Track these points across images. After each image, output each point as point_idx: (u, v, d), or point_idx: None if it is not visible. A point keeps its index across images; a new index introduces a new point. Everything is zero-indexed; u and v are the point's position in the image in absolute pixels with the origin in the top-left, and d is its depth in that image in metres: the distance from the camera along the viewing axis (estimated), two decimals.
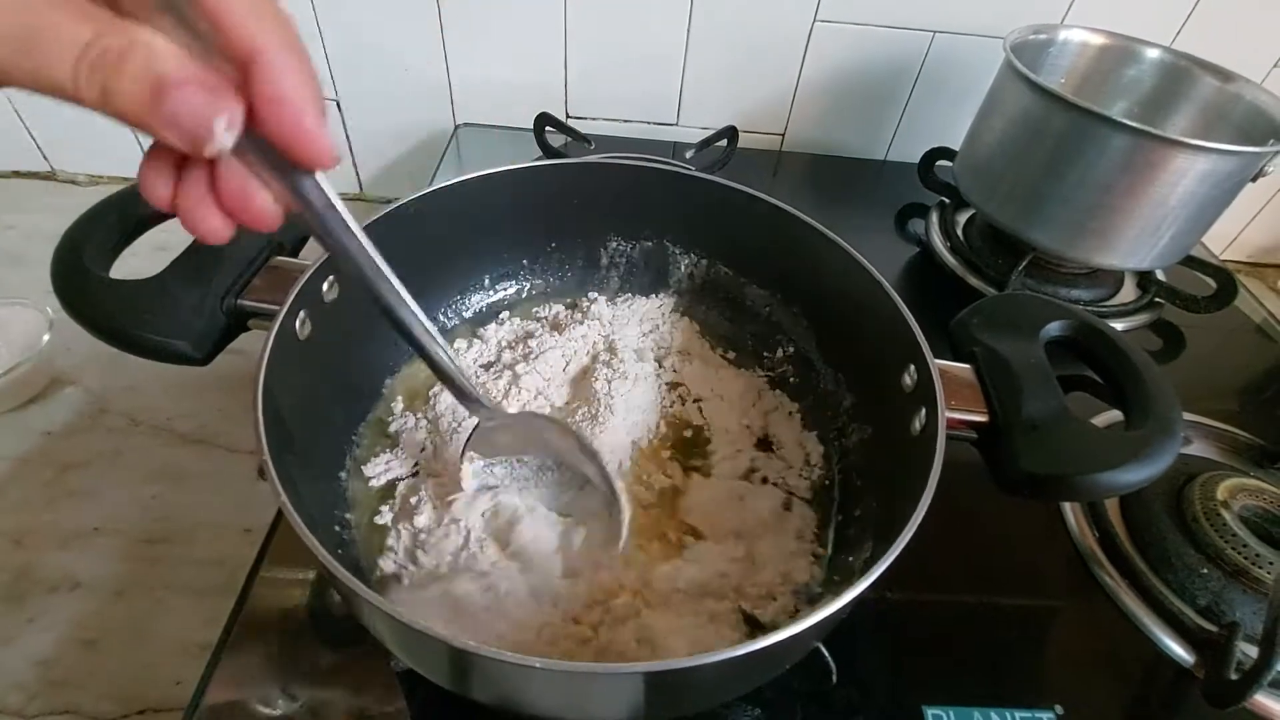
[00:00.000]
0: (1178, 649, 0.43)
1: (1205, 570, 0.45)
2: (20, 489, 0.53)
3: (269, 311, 0.35)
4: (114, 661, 0.45)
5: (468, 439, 0.39)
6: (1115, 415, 0.52)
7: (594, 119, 0.82)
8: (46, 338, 0.57)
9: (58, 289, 0.33)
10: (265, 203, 0.22)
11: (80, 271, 0.33)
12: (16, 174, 0.83)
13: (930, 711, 0.39)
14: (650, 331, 0.54)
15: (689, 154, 0.72)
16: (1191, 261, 0.68)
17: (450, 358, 0.33)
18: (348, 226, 0.26)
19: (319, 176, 0.23)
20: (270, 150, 0.21)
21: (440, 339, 0.32)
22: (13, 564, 0.49)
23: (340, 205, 0.25)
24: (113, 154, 0.81)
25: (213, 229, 0.22)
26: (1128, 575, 0.46)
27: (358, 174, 0.85)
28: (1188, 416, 0.55)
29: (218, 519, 0.52)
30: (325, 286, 0.38)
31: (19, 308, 0.60)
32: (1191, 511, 0.47)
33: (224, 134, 0.19)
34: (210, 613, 0.40)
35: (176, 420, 0.58)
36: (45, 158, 0.82)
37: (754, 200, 0.47)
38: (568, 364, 0.50)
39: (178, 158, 0.22)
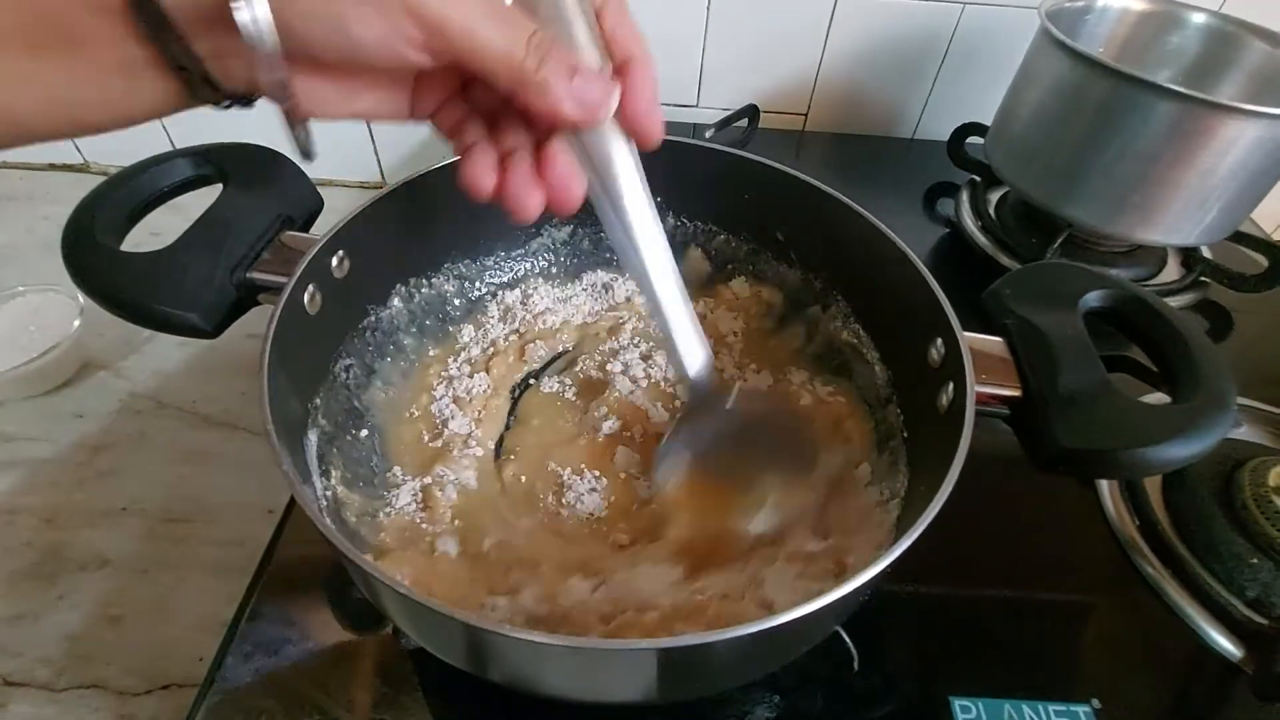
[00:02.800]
0: (1224, 642, 0.40)
1: (1255, 560, 0.42)
2: (52, 470, 0.54)
3: (277, 285, 0.34)
4: (139, 637, 0.45)
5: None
6: (1162, 399, 0.50)
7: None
8: (77, 323, 0.58)
9: (68, 261, 0.33)
10: (582, 184, 0.28)
11: (91, 244, 0.33)
12: (52, 166, 0.85)
13: (958, 702, 0.37)
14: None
15: (708, 133, 0.71)
16: (1240, 237, 0.64)
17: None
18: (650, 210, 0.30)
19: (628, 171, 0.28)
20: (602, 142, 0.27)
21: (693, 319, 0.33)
22: (44, 542, 0.50)
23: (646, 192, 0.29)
24: (143, 148, 0.82)
25: (533, 206, 0.27)
26: (1171, 565, 0.43)
27: (379, 163, 0.86)
28: (1240, 400, 0.52)
29: (240, 499, 0.53)
30: (335, 261, 0.38)
31: (52, 294, 0.62)
32: (1241, 498, 0.44)
33: (611, 109, 0.26)
34: (232, 591, 0.40)
35: (201, 403, 0.59)
36: (79, 151, 0.84)
37: (772, 170, 0.45)
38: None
39: (500, 156, 0.28)
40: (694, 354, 0.34)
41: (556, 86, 0.24)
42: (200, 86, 0.23)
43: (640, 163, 0.29)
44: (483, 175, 0.27)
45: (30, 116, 0.23)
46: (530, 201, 0.27)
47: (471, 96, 0.28)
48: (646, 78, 0.27)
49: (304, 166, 0.42)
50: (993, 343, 0.36)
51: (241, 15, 0.20)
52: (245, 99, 0.25)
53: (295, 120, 0.25)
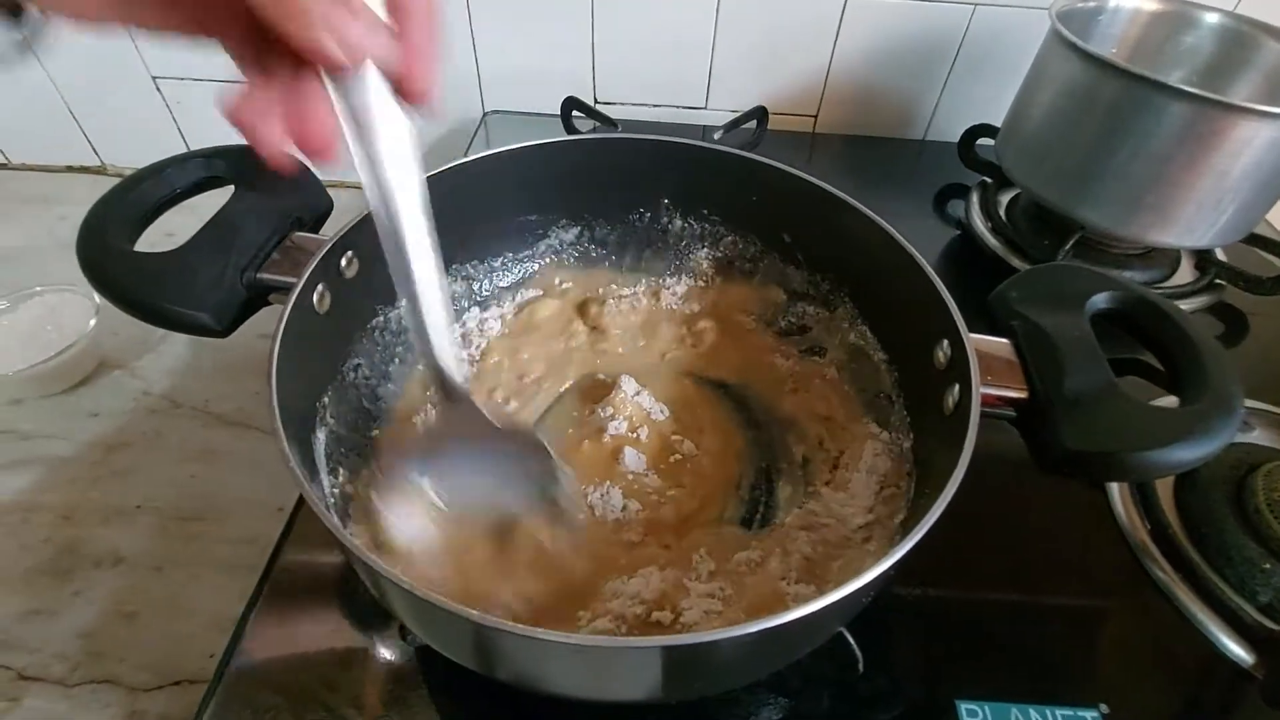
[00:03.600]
0: (1235, 648, 0.40)
1: (1268, 565, 0.41)
2: (69, 468, 0.55)
3: (287, 285, 0.35)
4: (152, 634, 0.46)
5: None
6: (1172, 402, 0.49)
7: (621, 104, 0.81)
8: (93, 323, 0.59)
9: (83, 261, 0.34)
10: (333, 132, 0.24)
11: (105, 245, 0.34)
12: (70, 168, 0.86)
13: (964, 706, 0.37)
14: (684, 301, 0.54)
15: (717, 135, 0.71)
16: (1255, 240, 0.63)
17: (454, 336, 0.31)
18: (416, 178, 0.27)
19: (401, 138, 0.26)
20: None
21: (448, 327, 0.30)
22: (61, 538, 0.50)
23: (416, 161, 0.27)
24: (158, 149, 0.83)
25: (271, 140, 0.24)
26: (1182, 569, 0.43)
27: None
28: (1253, 403, 0.52)
29: (251, 498, 0.53)
30: (344, 261, 0.38)
31: (69, 294, 0.63)
32: (1254, 503, 0.44)
33: (376, 54, 0.23)
34: (243, 588, 0.41)
35: (214, 403, 0.60)
36: (96, 152, 0.85)
37: (778, 172, 0.45)
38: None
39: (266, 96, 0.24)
40: (447, 356, 0.31)
41: (305, 17, 0.21)
42: None
43: (415, 135, 0.26)
44: (246, 105, 0.24)
45: None
46: (270, 135, 0.24)
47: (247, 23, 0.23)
48: (424, 30, 0.24)
49: (312, 167, 0.42)
50: (999, 344, 0.36)
51: None
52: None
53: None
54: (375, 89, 0.24)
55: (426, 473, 0.35)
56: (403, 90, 0.25)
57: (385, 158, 0.26)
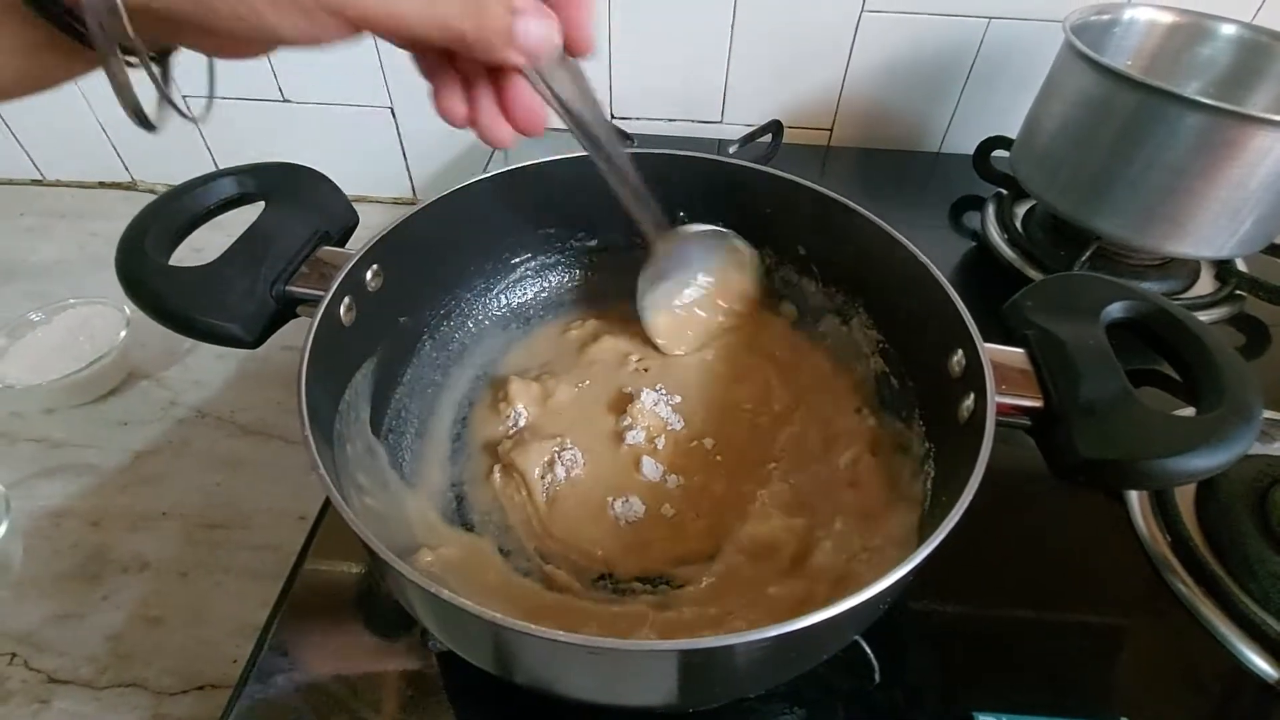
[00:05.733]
0: (1260, 661, 0.39)
1: None
2: (99, 475, 0.56)
3: (315, 298, 0.36)
4: (177, 639, 0.47)
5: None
6: (1191, 413, 0.49)
7: (638, 118, 0.82)
8: (124, 334, 0.61)
9: (121, 275, 0.35)
10: (544, 113, 0.30)
11: (142, 259, 0.35)
12: (102, 184, 0.89)
13: (981, 718, 0.37)
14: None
15: (732, 149, 0.72)
16: (1276, 250, 0.63)
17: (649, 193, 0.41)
18: (596, 105, 0.34)
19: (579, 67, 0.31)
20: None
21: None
22: (90, 544, 0.52)
23: (591, 89, 0.33)
24: (188, 166, 0.85)
25: (506, 137, 0.30)
26: (1204, 582, 0.42)
27: (411, 179, 0.88)
28: (1275, 415, 0.51)
29: (274, 506, 0.54)
30: (369, 275, 0.39)
31: (100, 306, 0.64)
32: (1277, 515, 0.43)
33: (556, 43, 0.27)
34: (266, 595, 0.42)
35: (239, 413, 0.61)
36: (127, 169, 0.88)
37: (792, 185, 0.46)
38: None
39: (466, 88, 0.29)
40: (652, 214, 0.42)
41: (497, 41, 0.25)
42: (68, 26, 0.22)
43: (585, 73, 0.32)
44: (454, 106, 0.29)
45: None
46: (502, 133, 0.29)
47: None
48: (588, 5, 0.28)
49: (338, 182, 0.44)
50: (1014, 354, 0.36)
51: None
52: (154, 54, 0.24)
53: (116, 70, 0.23)
54: (559, 65, 0.30)
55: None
56: (570, 50, 0.29)
57: (579, 104, 0.32)
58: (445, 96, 0.29)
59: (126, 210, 0.38)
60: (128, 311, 0.63)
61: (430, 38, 0.24)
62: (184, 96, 0.26)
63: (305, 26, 0.22)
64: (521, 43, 0.25)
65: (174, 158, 0.86)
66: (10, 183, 0.89)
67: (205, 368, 0.65)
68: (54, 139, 0.85)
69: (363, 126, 0.81)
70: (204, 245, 0.41)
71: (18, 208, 0.84)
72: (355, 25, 0.23)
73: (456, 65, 0.28)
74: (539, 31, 0.26)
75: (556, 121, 0.32)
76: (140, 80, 0.24)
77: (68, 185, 0.89)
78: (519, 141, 0.30)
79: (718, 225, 0.49)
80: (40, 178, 0.89)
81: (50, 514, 0.53)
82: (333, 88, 0.79)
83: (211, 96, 0.28)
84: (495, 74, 0.29)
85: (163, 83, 0.25)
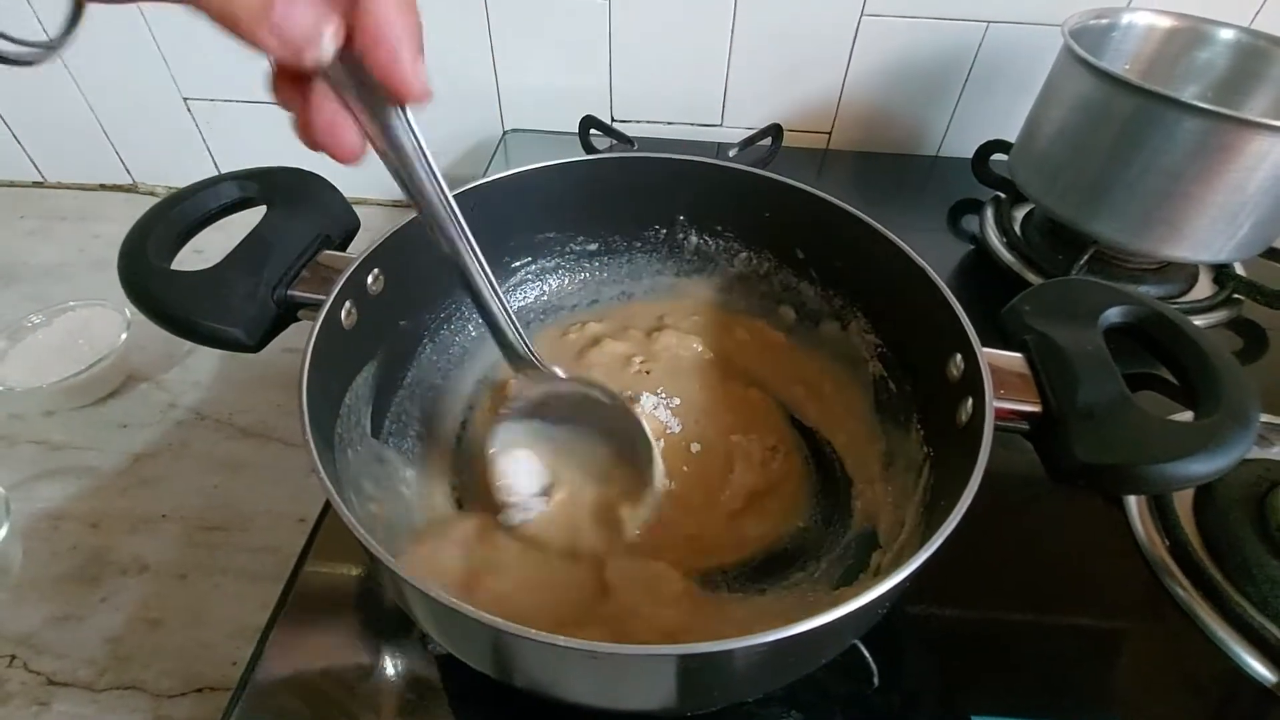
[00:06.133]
0: (1258, 666, 0.39)
1: None
2: (98, 478, 0.56)
3: (316, 302, 0.36)
4: (176, 641, 0.47)
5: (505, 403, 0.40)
6: (1189, 417, 0.49)
7: (638, 121, 0.82)
8: (124, 337, 0.61)
9: (124, 279, 0.35)
10: (352, 136, 0.24)
11: (144, 263, 0.35)
12: (103, 186, 0.89)
13: None
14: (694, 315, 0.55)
15: (732, 152, 0.72)
16: (1275, 254, 0.63)
17: (507, 312, 0.35)
18: (430, 171, 0.28)
19: (409, 120, 0.25)
20: (364, 85, 0.23)
21: (499, 291, 0.34)
22: (89, 546, 0.52)
23: (426, 150, 0.27)
24: (189, 168, 0.86)
25: (319, 146, 0.24)
26: (1202, 587, 0.43)
27: None
28: (1274, 419, 0.51)
29: (273, 508, 0.54)
30: (370, 279, 0.39)
31: (100, 309, 0.64)
32: (1276, 520, 0.43)
33: (327, 47, 0.22)
34: (264, 597, 0.42)
35: (238, 415, 0.61)
36: (129, 172, 0.88)
37: (790, 189, 0.46)
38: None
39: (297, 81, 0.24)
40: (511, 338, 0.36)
41: (245, 17, 0.20)
42: None
43: (411, 123, 0.26)
44: (279, 85, 0.24)
45: None
46: (308, 138, 0.24)
47: None
48: (384, 16, 0.22)
49: (338, 184, 0.44)
50: (1012, 359, 0.36)
51: None
52: None
53: None
54: (355, 89, 0.24)
55: (519, 436, 0.40)
56: (385, 93, 0.24)
57: (401, 150, 0.26)
58: (278, 89, 0.24)
59: (128, 213, 0.38)
60: (128, 314, 0.63)
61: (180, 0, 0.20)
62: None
63: None
64: (278, 26, 0.21)
65: (176, 160, 0.86)
66: (11, 185, 0.89)
67: (205, 370, 0.65)
68: (55, 141, 0.85)
69: None
70: (205, 247, 0.41)
71: (19, 210, 0.84)
72: None
73: None
74: (302, 20, 0.21)
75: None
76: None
77: (69, 187, 0.89)
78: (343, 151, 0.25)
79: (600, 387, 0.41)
80: (41, 180, 0.89)
81: (50, 516, 0.53)
82: None
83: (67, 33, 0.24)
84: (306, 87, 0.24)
85: None
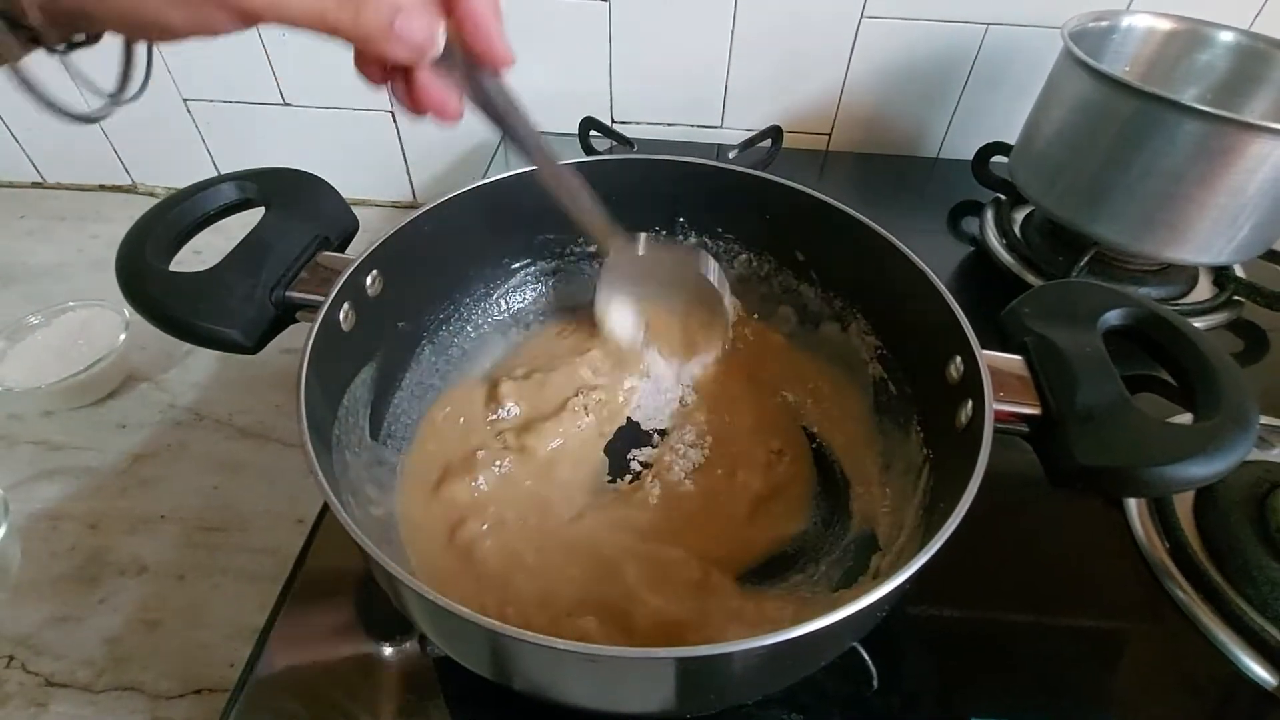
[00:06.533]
0: (1258, 669, 0.39)
1: None
2: (97, 478, 0.56)
3: (314, 303, 0.36)
4: (174, 642, 0.47)
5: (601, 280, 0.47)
6: (1189, 420, 0.49)
7: (638, 123, 0.82)
8: (123, 337, 0.61)
9: (122, 281, 0.35)
10: (456, 102, 0.30)
11: (143, 265, 0.35)
12: (102, 187, 0.89)
13: None
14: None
15: (732, 154, 0.72)
16: (1274, 256, 0.63)
17: (599, 207, 0.40)
18: (523, 115, 0.34)
19: (501, 81, 0.31)
20: (464, 61, 0.29)
21: (591, 193, 0.39)
22: (88, 547, 0.51)
23: (516, 99, 0.33)
24: (188, 169, 0.86)
25: (423, 113, 0.30)
26: (1202, 589, 0.42)
27: (411, 183, 0.88)
28: (1274, 421, 0.51)
29: (272, 509, 0.54)
30: (369, 281, 0.39)
31: (99, 309, 0.64)
32: (1276, 522, 0.43)
33: (440, 44, 0.27)
34: (263, 599, 0.42)
35: (237, 416, 0.61)
36: (128, 172, 0.88)
37: (790, 191, 0.46)
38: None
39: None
40: (598, 222, 0.41)
41: (377, 34, 0.25)
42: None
43: (506, 85, 0.32)
44: (371, 69, 0.29)
45: None
46: (418, 111, 0.30)
47: None
48: (480, 8, 0.28)
49: (336, 185, 0.44)
50: (1012, 361, 0.36)
51: None
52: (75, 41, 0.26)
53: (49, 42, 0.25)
54: (464, 65, 0.30)
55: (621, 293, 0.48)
56: (479, 61, 0.30)
57: (500, 108, 0.32)
58: (365, 63, 0.29)
59: (127, 213, 0.38)
60: (127, 314, 0.63)
61: (313, 27, 0.25)
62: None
63: (192, 17, 0.24)
64: (402, 37, 0.26)
65: (174, 161, 0.86)
66: (10, 185, 0.89)
67: (204, 370, 0.65)
68: (54, 142, 0.85)
69: (363, 130, 0.81)
70: (203, 249, 0.41)
71: (18, 210, 0.84)
72: (242, 16, 0.24)
73: None
74: (421, 28, 0.26)
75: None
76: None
77: (68, 188, 0.89)
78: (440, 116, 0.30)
79: (694, 240, 0.50)
80: (41, 180, 0.89)
81: (48, 516, 0.53)
82: (333, 91, 0.79)
83: (127, 85, 0.29)
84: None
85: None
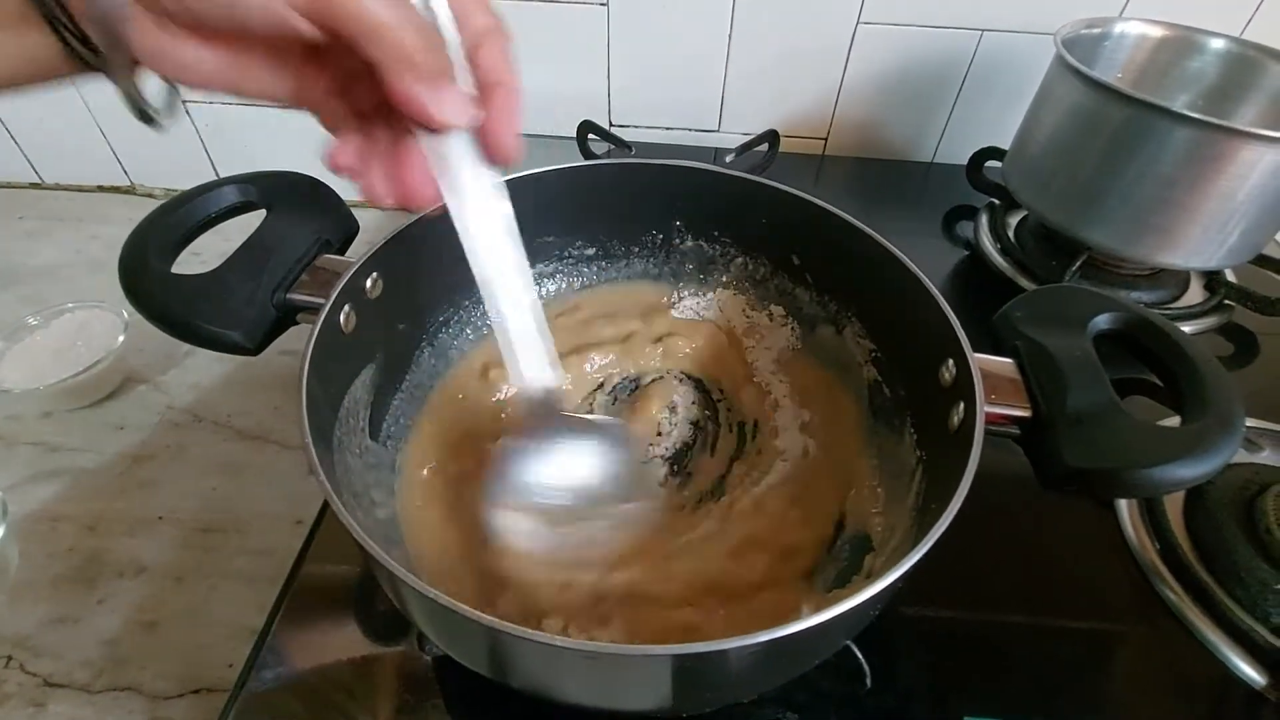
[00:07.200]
0: (1247, 669, 0.40)
1: (1279, 586, 0.42)
2: (95, 479, 0.56)
3: (315, 305, 0.36)
4: (172, 643, 0.47)
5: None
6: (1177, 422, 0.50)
7: (636, 126, 0.83)
8: (121, 339, 0.61)
9: (124, 283, 0.35)
10: (433, 189, 0.30)
11: (145, 267, 0.35)
12: (100, 188, 0.89)
13: None
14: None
15: (729, 158, 0.72)
16: (1264, 261, 0.64)
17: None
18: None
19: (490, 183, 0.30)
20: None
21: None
22: (86, 548, 0.52)
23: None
24: (187, 171, 0.86)
25: (385, 199, 0.30)
26: (1192, 590, 0.43)
27: None
28: (1263, 424, 0.52)
29: (270, 511, 0.54)
30: (369, 283, 0.40)
31: (98, 310, 0.64)
32: (1265, 523, 0.44)
33: (470, 120, 0.28)
34: (261, 600, 0.42)
35: (235, 418, 0.61)
36: (126, 173, 0.88)
37: (787, 195, 0.47)
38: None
39: (363, 144, 0.29)
40: (535, 371, 0.35)
41: (438, 81, 0.25)
42: (77, 45, 0.24)
43: (501, 185, 0.31)
44: (342, 156, 0.29)
45: None
46: (381, 194, 0.30)
47: (351, 96, 0.29)
48: (511, 103, 0.29)
49: (335, 187, 0.44)
50: (1003, 364, 0.36)
51: None
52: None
53: (122, 75, 0.25)
54: (463, 149, 0.29)
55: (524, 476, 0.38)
56: (489, 151, 0.29)
57: (473, 209, 0.31)
58: (340, 149, 0.29)
59: (125, 214, 0.39)
60: (125, 316, 0.63)
61: (379, 35, 0.24)
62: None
63: (277, 12, 0.23)
64: (441, 100, 0.26)
65: (173, 162, 0.86)
66: (9, 186, 0.89)
67: (202, 372, 0.65)
68: (53, 142, 0.85)
69: None
70: (202, 250, 0.42)
71: (16, 211, 0.84)
72: (325, 18, 0.23)
73: (362, 121, 0.29)
74: (463, 98, 0.27)
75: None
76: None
77: (66, 189, 0.89)
78: (388, 204, 0.30)
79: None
80: (39, 181, 0.89)
81: (46, 518, 0.53)
82: None
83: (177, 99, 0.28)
84: (399, 137, 0.29)
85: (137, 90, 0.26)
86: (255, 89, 0.27)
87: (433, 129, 0.27)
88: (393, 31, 0.24)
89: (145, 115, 0.26)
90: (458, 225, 0.31)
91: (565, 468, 0.38)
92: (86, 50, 0.24)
